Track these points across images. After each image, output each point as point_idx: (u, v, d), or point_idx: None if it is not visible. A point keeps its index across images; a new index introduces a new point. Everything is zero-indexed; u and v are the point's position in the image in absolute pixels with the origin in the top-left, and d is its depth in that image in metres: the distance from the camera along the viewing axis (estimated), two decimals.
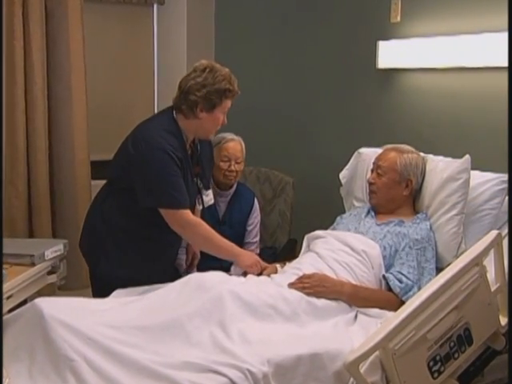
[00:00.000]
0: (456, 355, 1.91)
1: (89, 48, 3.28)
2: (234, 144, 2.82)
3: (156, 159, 2.27)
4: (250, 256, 2.39)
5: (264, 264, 2.39)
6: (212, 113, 2.34)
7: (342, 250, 2.32)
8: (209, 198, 2.57)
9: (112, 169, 2.47)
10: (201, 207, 2.55)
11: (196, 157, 2.49)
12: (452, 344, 1.90)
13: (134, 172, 2.31)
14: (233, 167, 2.82)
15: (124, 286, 2.24)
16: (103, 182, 2.56)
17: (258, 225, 2.99)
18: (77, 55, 3.18)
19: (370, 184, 2.51)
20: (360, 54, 3.21)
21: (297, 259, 2.45)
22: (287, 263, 2.49)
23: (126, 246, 2.43)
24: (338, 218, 2.66)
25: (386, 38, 3.01)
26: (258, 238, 2.96)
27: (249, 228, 2.95)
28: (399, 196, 2.47)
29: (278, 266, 2.47)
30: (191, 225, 2.32)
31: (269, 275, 2.33)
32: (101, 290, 2.41)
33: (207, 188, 2.58)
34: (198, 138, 2.49)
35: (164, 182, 2.28)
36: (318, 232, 2.50)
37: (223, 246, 2.37)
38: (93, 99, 3.38)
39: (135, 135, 2.38)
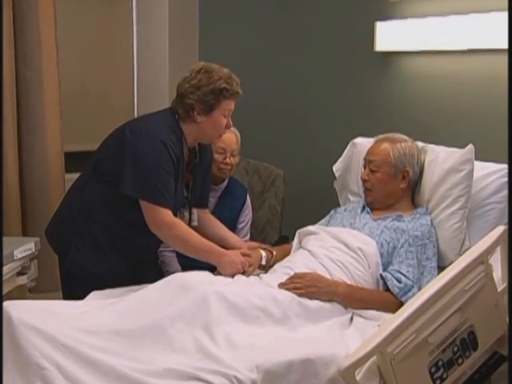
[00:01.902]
0: (460, 361, 1.92)
1: (61, 29, 3.25)
2: (230, 135, 2.82)
3: (153, 149, 2.28)
4: (231, 263, 2.34)
5: (248, 260, 2.38)
6: (210, 115, 2.36)
7: (336, 247, 2.33)
8: (194, 216, 2.57)
9: (99, 150, 2.47)
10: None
11: (192, 164, 2.50)
12: (455, 349, 1.90)
13: (126, 156, 2.29)
14: (228, 160, 2.83)
15: (96, 281, 2.26)
16: (78, 175, 2.55)
17: (250, 223, 2.99)
18: (48, 36, 3.14)
19: (364, 181, 2.51)
20: (356, 35, 3.20)
21: (287, 257, 2.45)
22: (274, 251, 2.52)
23: (101, 239, 2.42)
24: (332, 212, 2.67)
25: (385, 18, 3.00)
26: (248, 237, 2.96)
27: (239, 226, 2.95)
28: (396, 190, 2.47)
29: (262, 252, 2.48)
30: (167, 226, 2.32)
31: (258, 274, 2.33)
32: (69, 284, 2.47)
33: (197, 206, 2.59)
34: (198, 145, 2.51)
35: (155, 175, 2.28)
36: (311, 227, 2.52)
37: (202, 248, 2.36)
38: (66, 85, 3.35)
39: (134, 123, 2.42)
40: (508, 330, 2.01)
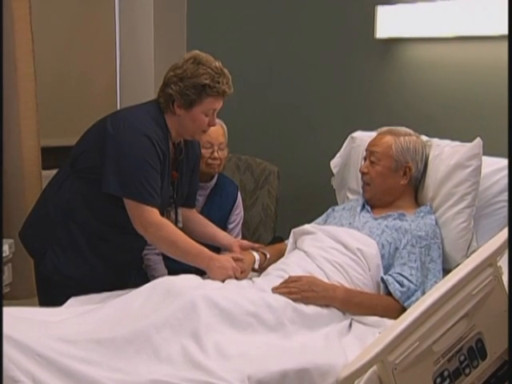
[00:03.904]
0: (467, 371, 1.91)
1: (36, 12, 3.22)
2: (216, 128, 2.82)
3: (137, 143, 2.28)
4: (221, 268, 2.32)
5: (241, 265, 2.37)
6: (190, 111, 2.36)
7: (334, 248, 2.33)
8: (180, 217, 2.58)
9: (78, 145, 2.47)
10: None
11: (178, 161, 2.50)
12: (462, 358, 1.90)
13: (108, 151, 2.29)
14: (216, 154, 2.84)
15: (75, 286, 2.26)
16: (56, 171, 2.54)
17: (241, 223, 3.01)
18: (22, 20, 3.11)
19: (363, 174, 2.53)
20: (355, 21, 3.21)
21: (282, 259, 2.45)
22: (267, 254, 2.51)
23: (80, 241, 2.42)
24: (330, 210, 2.68)
25: (386, 2, 3.01)
26: (239, 238, 2.95)
27: (230, 226, 2.96)
28: (396, 186, 2.49)
29: (255, 255, 2.48)
30: (153, 226, 2.31)
31: (250, 278, 2.33)
32: (46, 290, 2.47)
33: (184, 205, 2.60)
34: (184, 140, 2.51)
35: (140, 171, 2.27)
36: (307, 226, 2.52)
37: (190, 251, 2.35)
38: (43, 75, 3.34)
39: (116, 115, 2.42)
40: (508, 332, 2.01)
